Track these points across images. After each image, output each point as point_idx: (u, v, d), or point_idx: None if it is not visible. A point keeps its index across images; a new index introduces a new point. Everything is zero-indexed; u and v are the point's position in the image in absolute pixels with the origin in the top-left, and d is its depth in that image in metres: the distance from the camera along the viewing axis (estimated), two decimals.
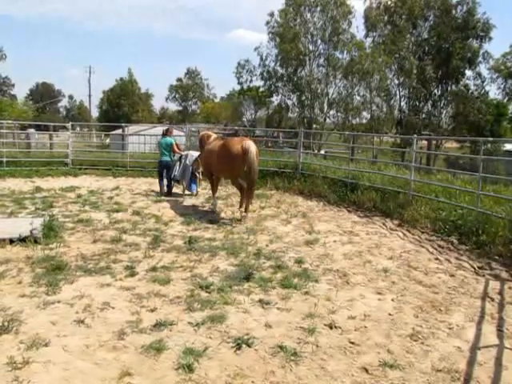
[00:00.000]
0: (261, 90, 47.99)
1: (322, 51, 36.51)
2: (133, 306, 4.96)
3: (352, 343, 4.33)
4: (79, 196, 11.33)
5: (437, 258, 7.16)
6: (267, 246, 7.49)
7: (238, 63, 42.21)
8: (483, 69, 39.07)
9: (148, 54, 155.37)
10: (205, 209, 10.60)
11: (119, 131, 29.10)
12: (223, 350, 4.11)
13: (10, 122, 25.30)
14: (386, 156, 33.56)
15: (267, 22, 36.62)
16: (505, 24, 72.44)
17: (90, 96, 64.40)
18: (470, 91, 38.37)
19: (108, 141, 33.25)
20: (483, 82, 38.42)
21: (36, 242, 6.94)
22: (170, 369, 3.79)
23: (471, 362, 4.06)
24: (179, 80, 70.01)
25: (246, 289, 5.53)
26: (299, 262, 6.64)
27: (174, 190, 12.52)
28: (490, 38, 36.70)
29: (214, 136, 10.83)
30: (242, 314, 4.87)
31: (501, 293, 5.77)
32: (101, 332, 4.35)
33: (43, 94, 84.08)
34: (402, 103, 39.91)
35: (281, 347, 4.15)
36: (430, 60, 37.11)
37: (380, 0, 38.65)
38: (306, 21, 35.83)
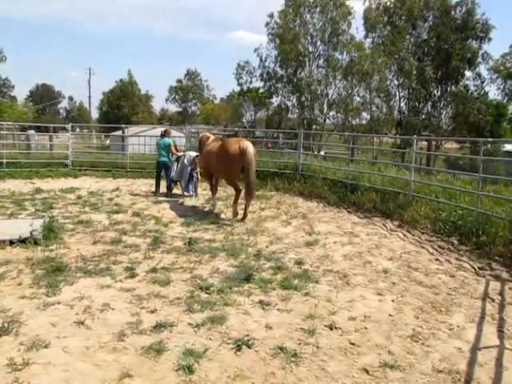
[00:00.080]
0: (260, 91, 48.05)
1: (321, 52, 36.58)
2: (133, 307, 4.96)
3: (352, 344, 4.33)
4: (79, 197, 11.32)
5: (437, 259, 7.16)
6: (267, 247, 7.49)
7: (238, 64, 42.29)
8: (483, 69, 39.20)
9: (148, 55, 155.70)
10: (205, 210, 10.59)
11: (119, 132, 29.13)
12: (223, 352, 4.10)
13: (10, 123, 25.31)
14: (385, 157, 33.56)
15: (267, 23, 36.70)
16: (504, 25, 72.72)
17: (89, 97, 64.47)
18: (470, 92, 38.43)
19: (108, 142, 33.26)
20: (483, 82, 38.52)
21: (36, 243, 6.93)
22: (170, 370, 3.78)
23: (472, 363, 4.06)
24: (179, 81, 70.05)
25: (246, 290, 5.52)
26: (299, 263, 6.64)
27: (174, 190, 12.53)
28: (490, 39, 36.82)
29: (212, 137, 10.94)
30: (242, 315, 4.86)
31: (501, 293, 5.76)
32: (101, 333, 4.34)
33: (43, 96, 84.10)
34: (402, 104, 39.97)
35: (281, 348, 4.15)
36: (430, 61, 37.15)
37: (379, 1, 38.73)
38: (306, 22, 35.87)
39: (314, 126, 36.96)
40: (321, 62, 36.77)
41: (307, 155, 15.80)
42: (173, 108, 75.80)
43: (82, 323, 4.51)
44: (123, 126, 24.42)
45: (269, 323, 4.67)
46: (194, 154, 12.15)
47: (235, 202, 9.76)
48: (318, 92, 36.15)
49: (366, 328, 4.68)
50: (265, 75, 38.45)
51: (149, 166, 15.55)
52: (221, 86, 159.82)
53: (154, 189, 12.55)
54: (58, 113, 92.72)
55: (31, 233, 7.02)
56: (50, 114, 79.14)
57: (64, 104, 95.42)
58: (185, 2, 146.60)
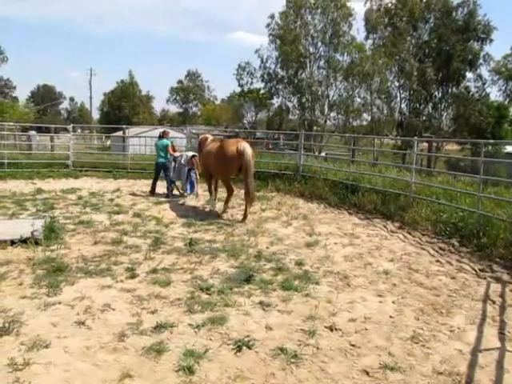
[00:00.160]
0: (261, 92, 48.06)
1: (322, 53, 36.66)
2: (133, 307, 4.96)
3: (353, 345, 4.33)
4: (80, 198, 11.33)
5: (438, 261, 7.16)
6: (268, 248, 7.49)
7: (239, 65, 42.33)
8: (484, 71, 39.25)
9: (149, 56, 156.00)
10: (205, 211, 10.60)
11: (120, 133, 29.13)
12: (224, 352, 4.10)
13: (11, 123, 25.34)
14: (386, 158, 33.52)
15: (268, 25, 36.80)
16: (506, 26, 72.28)
17: (91, 98, 64.50)
18: (471, 93, 38.44)
19: (109, 143, 33.27)
20: (484, 84, 38.53)
21: (37, 243, 6.93)
22: (171, 371, 3.79)
23: (472, 365, 4.05)
24: (180, 82, 70.14)
25: (246, 291, 5.52)
26: (300, 264, 6.64)
27: (174, 191, 12.55)
28: (491, 40, 36.86)
29: (210, 138, 11.11)
30: (243, 316, 4.86)
31: (502, 295, 5.76)
32: (101, 333, 4.34)
33: (44, 96, 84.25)
34: (403, 105, 40.04)
35: (281, 349, 4.15)
36: (431, 62, 37.20)
37: (380, 2, 38.79)
38: (307, 23, 35.93)
39: (315, 127, 37.00)
40: (322, 63, 36.88)
41: (308, 156, 15.81)
42: (174, 109, 76.01)
43: (83, 323, 4.52)
44: (124, 126, 24.41)
45: (269, 324, 4.67)
46: (190, 153, 12.28)
47: (227, 202, 10.06)
48: (319, 93, 36.21)
49: (366, 329, 4.67)
50: (265, 76, 38.55)
51: (149, 166, 15.53)
52: (221, 86, 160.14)
53: (158, 191, 12.56)
54: (59, 113, 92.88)
55: (32, 233, 7.02)
56: (51, 115, 79.26)
57: (65, 105, 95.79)
58: (186, 3, 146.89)
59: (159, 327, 4.46)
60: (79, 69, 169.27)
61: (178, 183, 12.58)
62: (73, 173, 15.37)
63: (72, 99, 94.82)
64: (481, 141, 10.77)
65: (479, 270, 6.70)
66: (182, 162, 12.00)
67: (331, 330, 4.61)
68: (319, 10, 35.41)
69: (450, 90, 38.62)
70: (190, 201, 11.68)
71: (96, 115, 71.44)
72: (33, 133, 24.34)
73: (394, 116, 39.59)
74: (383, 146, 40.76)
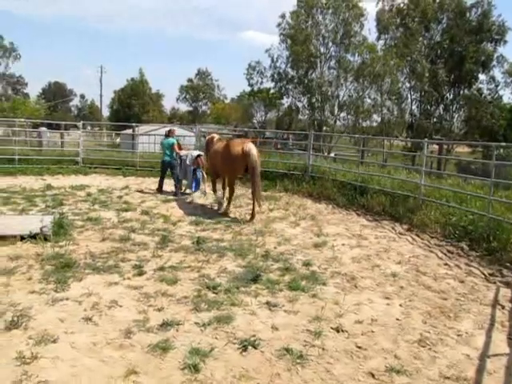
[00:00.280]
0: (271, 91, 48.08)
1: (333, 53, 36.51)
2: (140, 304, 4.98)
3: (359, 347, 4.31)
4: (89, 194, 11.40)
5: (446, 264, 7.10)
6: (275, 248, 7.48)
7: (249, 65, 42.32)
8: (497, 73, 38.78)
9: (160, 55, 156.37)
10: (213, 209, 10.61)
11: (129, 131, 29.24)
12: (229, 351, 4.11)
13: (22, 120, 25.59)
14: (396, 160, 33.32)
15: (278, 24, 36.71)
16: None
17: (101, 96, 64.85)
18: (483, 95, 38.08)
19: (118, 140, 33.45)
20: (497, 86, 38.11)
21: (46, 239, 6.99)
22: (176, 368, 3.80)
23: (480, 370, 4.02)
24: (190, 81, 70.30)
25: (253, 290, 5.52)
26: (307, 264, 6.62)
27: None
28: (505, 42, 36.39)
29: (217, 137, 11.33)
30: (249, 315, 4.86)
31: None
32: (108, 330, 4.37)
33: (55, 93, 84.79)
34: (414, 107, 39.76)
35: (287, 350, 4.14)
36: (443, 63, 36.91)
37: (392, 2, 38.55)
38: (318, 23, 35.80)
39: (325, 128, 36.87)
40: (332, 63, 36.71)
41: (317, 157, 15.77)
42: (183, 107, 76.27)
43: (90, 319, 4.54)
44: (134, 124, 24.50)
45: (275, 324, 4.67)
46: (195, 153, 12.41)
47: (229, 202, 10.15)
48: (329, 93, 36.09)
49: (372, 331, 4.65)
50: (276, 76, 38.50)
51: (158, 164, 15.44)
52: (231, 86, 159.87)
53: (166, 189, 12.69)
54: (70, 110, 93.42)
55: (41, 229, 7.09)
56: (61, 112, 79.70)
57: (76, 102, 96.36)
58: (198, 1, 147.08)
59: (165, 325, 4.48)
60: (90, 66, 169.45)
61: (183, 182, 12.67)
62: (82, 169, 15.47)
63: (82, 96, 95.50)
64: (492, 144, 10.64)
65: (488, 274, 6.64)
66: (188, 162, 12.09)
67: (337, 332, 4.60)
68: (330, 10, 35.28)
69: (461, 92, 38.29)
70: (198, 199, 11.69)
71: (106, 113, 71.99)
72: (43, 129, 24.57)
73: (404, 117, 39.35)
74: (393, 148, 40.47)
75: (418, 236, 8.62)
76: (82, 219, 8.65)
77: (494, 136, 34.57)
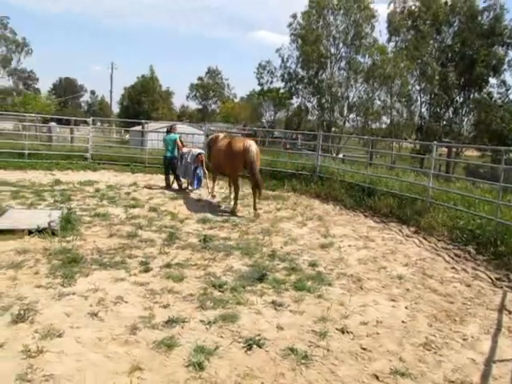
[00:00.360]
0: (281, 91, 48.03)
1: (343, 54, 36.34)
2: (146, 301, 5.00)
3: (364, 349, 4.30)
4: (97, 190, 11.46)
5: (453, 267, 7.06)
6: (282, 247, 7.48)
7: (259, 64, 42.33)
8: (508, 76, 38.54)
9: (171, 52, 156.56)
10: (221, 208, 10.63)
11: (139, 128, 29.38)
12: (234, 350, 4.11)
13: (32, 115, 25.77)
14: (404, 162, 33.18)
15: (290, 24, 36.61)
16: None
17: (111, 92, 65.55)
18: (494, 99, 37.73)
19: (127, 137, 33.57)
20: (507, 90, 37.70)
21: (53, 233, 7.04)
22: (181, 366, 3.81)
23: (486, 376, 3.99)
24: (200, 79, 70.36)
25: (259, 289, 5.52)
26: (313, 265, 6.61)
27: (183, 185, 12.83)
28: None
29: (221, 135, 11.61)
30: (255, 314, 4.87)
31: None
32: (113, 326, 4.39)
33: (66, 89, 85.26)
34: (423, 109, 39.54)
35: (292, 350, 4.14)
36: (453, 66, 36.66)
37: (404, 5, 38.32)
38: (329, 24, 35.67)
39: (334, 129, 36.79)
40: (342, 64, 36.56)
41: (325, 157, 15.74)
42: (193, 105, 76.26)
43: (96, 315, 4.57)
44: (143, 121, 24.63)
45: (280, 324, 4.67)
46: (197, 151, 12.54)
47: (235, 200, 10.24)
48: (339, 94, 35.97)
49: (378, 333, 4.64)
50: (286, 76, 38.45)
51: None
52: (242, 84, 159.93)
53: (165, 183, 12.92)
54: (80, 106, 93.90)
55: (49, 223, 7.14)
56: (71, 107, 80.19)
57: (86, 98, 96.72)
58: (209, 0, 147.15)
59: (171, 322, 4.49)
60: (101, 63, 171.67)
61: (182, 180, 12.85)
62: (91, 165, 15.55)
63: (93, 92, 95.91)
64: (502, 148, 10.59)
65: (495, 278, 6.60)
66: (189, 160, 12.17)
67: (342, 333, 4.59)
68: (342, 11, 35.14)
69: (471, 95, 37.99)
70: (206, 197, 11.71)
71: (116, 109, 72.14)
72: (53, 124, 24.72)
73: (413, 120, 39.16)
74: (402, 150, 40.32)
75: (425, 239, 8.58)
76: (89, 215, 8.69)
77: (503, 140, 34.23)
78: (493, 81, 37.59)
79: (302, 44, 35.54)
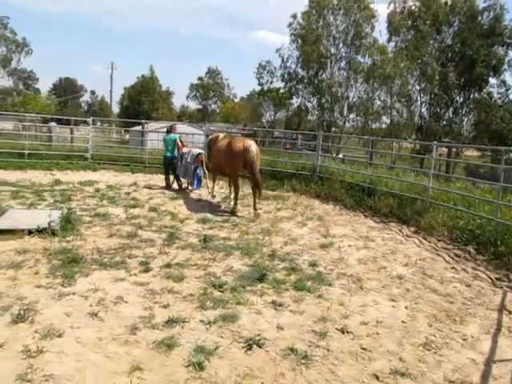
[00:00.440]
0: (281, 91, 48.04)
1: (343, 54, 36.36)
2: (146, 301, 5.00)
3: (364, 349, 4.30)
4: (97, 190, 11.46)
5: (453, 267, 7.07)
6: (282, 247, 7.48)
7: (259, 64, 42.35)
8: (508, 77, 38.55)
9: (170, 52, 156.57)
10: (221, 208, 10.63)
11: (139, 128, 29.37)
12: (234, 350, 4.11)
13: (32, 115, 25.77)
14: (404, 162, 33.19)
15: (290, 24, 36.62)
16: None
17: (111, 92, 65.54)
18: (494, 99, 37.73)
19: (127, 137, 33.57)
20: (507, 90, 37.69)
21: (53, 233, 7.04)
22: (181, 366, 3.81)
23: (486, 376, 3.99)
24: (200, 79, 70.36)
25: (259, 289, 5.52)
26: (313, 265, 6.61)
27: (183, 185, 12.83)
28: None
29: (222, 135, 11.62)
30: (255, 314, 4.87)
31: None
32: (113, 326, 4.39)
33: (66, 89, 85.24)
34: (423, 109, 39.54)
35: (292, 350, 4.14)
36: (453, 66, 36.66)
37: (404, 5, 38.32)
38: (329, 24, 35.67)
39: (334, 129, 36.79)
40: (342, 64, 36.57)
41: (325, 157, 15.74)
42: (193, 105, 76.27)
43: (96, 315, 4.57)
44: (143, 121, 24.62)
45: (280, 324, 4.67)
46: (197, 151, 12.57)
47: (235, 200, 10.23)
48: (339, 94, 35.98)
49: (378, 333, 4.64)
50: (286, 76, 38.47)
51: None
52: (242, 84, 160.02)
53: (165, 183, 12.93)
54: (80, 106, 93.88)
55: (49, 223, 7.14)
56: (71, 107, 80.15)
57: (86, 98, 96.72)
58: (209, 0, 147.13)
59: (171, 322, 4.49)
60: (101, 63, 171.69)
61: (183, 180, 12.88)
62: (91, 165, 15.54)
63: (93, 92, 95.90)
64: (502, 148, 10.59)
65: (495, 278, 6.60)
66: (189, 160, 12.19)
67: (342, 333, 4.59)
68: (342, 11, 35.13)
69: (471, 95, 37.99)
70: (206, 198, 11.71)
71: (116, 109, 72.14)
72: (53, 124, 24.72)
73: (413, 120, 39.18)
74: (402, 150, 40.34)
75: (425, 239, 8.58)
76: (89, 215, 8.69)
77: (503, 140, 34.22)
78: (493, 81, 37.64)
79: (302, 44, 35.55)
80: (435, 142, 11.59)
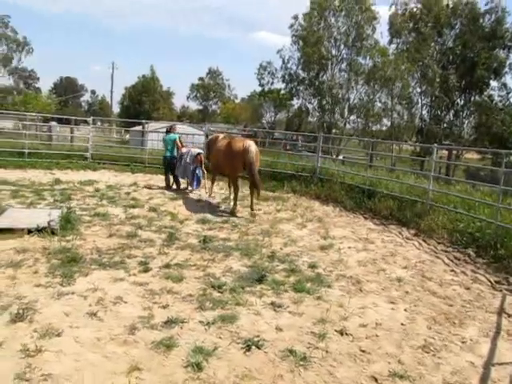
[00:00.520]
0: (282, 92, 48.08)
1: (344, 56, 36.38)
2: (145, 301, 5.00)
3: (362, 351, 4.30)
4: (97, 190, 11.45)
5: (452, 270, 7.06)
6: (281, 248, 7.48)
7: (260, 65, 42.43)
8: (509, 79, 38.59)
9: (171, 53, 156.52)
10: (221, 209, 10.62)
11: (139, 128, 29.36)
12: (233, 351, 4.11)
13: (33, 114, 25.76)
14: (404, 164, 33.20)
15: (291, 25, 36.65)
16: None
17: (111, 92, 65.67)
18: (494, 102, 37.71)
19: (128, 137, 33.57)
20: (508, 93, 37.62)
21: (53, 233, 7.04)
22: (179, 366, 3.80)
23: (484, 379, 3.99)
24: (201, 79, 70.40)
25: (258, 291, 5.52)
26: (313, 266, 6.61)
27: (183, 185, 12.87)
28: None
29: (221, 136, 11.63)
30: (254, 315, 4.86)
31: None
32: (112, 326, 4.38)
33: (67, 88, 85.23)
34: (424, 112, 39.49)
35: (290, 351, 4.14)
36: (454, 69, 36.65)
37: (406, 7, 38.33)
38: (330, 25, 35.69)
39: (334, 130, 36.79)
40: (343, 66, 36.58)
41: (325, 159, 15.73)
42: (193, 106, 76.28)
43: (95, 314, 4.57)
44: (143, 121, 24.60)
45: (279, 325, 4.66)
46: (196, 151, 12.60)
47: (235, 200, 10.22)
48: (340, 96, 35.99)
49: (377, 336, 4.64)
50: (287, 77, 38.50)
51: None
52: (242, 85, 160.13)
53: (165, 184, 12.93)
54: (80, 106, 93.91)
55: (49, 223, 7.13)
56: (72, 107, 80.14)
57: (86, 97, 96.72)
58: (209, 0, 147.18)
59: (170, 322, 4.49)
60: (102, 63, 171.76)
61: (181, 180, 12.91)
62: (91, 165, 15.54)
63: (93, 92, 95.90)
64: (502, 151, 10.57)
65: (495, 281, 6.59)
66: (188, 160, 12.20)
67: (341, 335, 4.59)
68: (343, 13, 35.16)
69: (472, 98, 37.98)
70: (206, 198, 11.71)
71: (116, 109, 72.14)
72: (54, 124, 24.70)
73: (414, 122, 39.16)
74: (402, 152, 40.37)
75: (424, 241, 8.58)
76: (89, 214, 8.69)
77: (503, 143, 34.19)
78: (494, 83, 37.60)
79: (303, 45, 35.58)
80: (435, 145, 11.60)
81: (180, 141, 12.97)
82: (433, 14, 36.43)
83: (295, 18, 36.29)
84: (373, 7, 35.27)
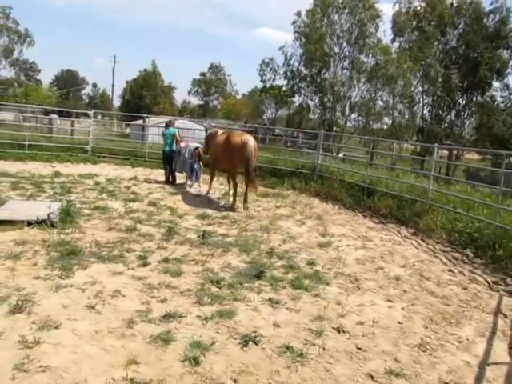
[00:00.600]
0: (283, 89, 48.06)
1: (347, 54, 36.45)
2: (143, 295, 5.01)
3: (359, 349, 4.32)
4: (97, 183, 11.46)
5: (450, 270, 7.08)
6: (280, 245, 7.49)
7: (263, 61, 42.45)
8: None
9: (173, 48, 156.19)
10: (220, 204, 10.63)
11: (140, 122, 29.34)
12: (230, 346, 4.12)
13: (33, 106, 25.71)
14: (404, 163, 33.18)
15: (294, 22, 36.68)
16: None
17: (113, 85, 65.30)
18: (496, 103, 37.72)
19: (128, 131, 33.54)
20: (511, 93, 37.68)
21: (52, 225, 7.05)
22: (176, 360, 3.82)
23: (480, 378, 4.01)
24: (202, 74, 70.31)
25: (256, 287, 5.54)
26: (311, 263, 6.63)
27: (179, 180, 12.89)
28: None
29: (220, 131, 11.64)
30: (251, 311, 4.88)
31: None
32: (110, 319, 4.40)
33: (68, 81, 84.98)
34: (425, 111, 39.56)
35: (287, 347, 4.16)
36: (457, 69, 36.63)
37: (409, 5, 38.25)
38: (333, 22, 35.69)
39: (335, 128, 36.81)
40: (346, 63, 36.66)
41: (326, 156, 15.74)
42: (195, 101, 76.24)
43: (93, 307, 4.58)
44: (144, 115, 24.57)
45: (277, 321, 4.68)
46: (194, 145, 12.65)
47: (234, 195, 10.26)
48: (341, 94, 36.02)
49: (373, 333, 4.66)
50: (288, 73, 38.53)
51: None
52: (244, 81, 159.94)
53: (164, 178, 12.96)
54: (81, 99, 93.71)
55: (48, 215, 7.14)
56: (73, 100, 79.91)
57: (87, 90, 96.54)
58: None
59: (168, 316, 4.50)
60: (103, 56, 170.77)
61: (179, 175, 12.95)
62: (91, 158, 15.53)
63: (95, 85, 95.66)
64: (503, 152, 10.59)
65: (492, 282, 6.61)
66: (186, 155, 12.23)
67: (338, 332, 4.60)
68: (347, 10, 35.16)
69: (474, 98, 37.99)
70: (206, 193, 11.71)
71: (117, 102, 72.01)
72: (54, 116, 24.66)
73: (415, 121, 39.19)
74: (402, 151, 40.35)
75: (423, 241, 8.59)
76: (89, 208, 8.70)
77: (504, 144, 34.18)
78: (496, 84, 37.63)
79: (306, 42, 35.57)
80: (436, 144, 11.60)
81: (179, 135, 13.00)
82: (436, 13, 36.39)
83: (298, 14, 36.34)
84: (376, 5, 35.32)
